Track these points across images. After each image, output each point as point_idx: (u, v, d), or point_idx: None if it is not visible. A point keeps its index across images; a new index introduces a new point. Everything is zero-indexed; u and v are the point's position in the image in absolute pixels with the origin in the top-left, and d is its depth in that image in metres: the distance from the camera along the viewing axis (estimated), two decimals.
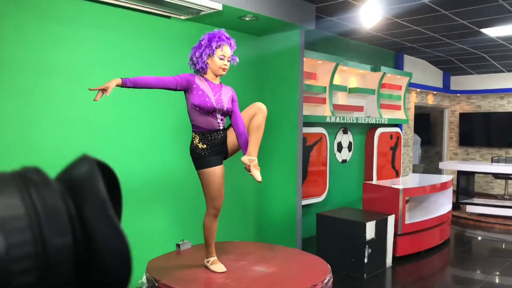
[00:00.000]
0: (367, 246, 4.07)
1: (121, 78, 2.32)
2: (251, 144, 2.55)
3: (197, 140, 2.57)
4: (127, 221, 3.49)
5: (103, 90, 2.31)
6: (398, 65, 7.09)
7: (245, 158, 2.55)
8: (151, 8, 3.48)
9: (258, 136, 2.56)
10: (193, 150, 2.60)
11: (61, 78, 3.13)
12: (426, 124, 9.70)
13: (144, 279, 2.66)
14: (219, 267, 2.68)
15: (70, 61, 3.18)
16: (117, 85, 2.32)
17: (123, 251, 0.28)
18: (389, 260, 4.43)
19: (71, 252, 0.27)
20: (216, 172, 2.58)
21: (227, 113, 2.62)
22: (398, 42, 6.30)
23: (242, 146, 2.60)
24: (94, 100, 2.33)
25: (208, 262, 2.73)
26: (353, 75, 6.07)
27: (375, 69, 6.08)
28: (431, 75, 8.29)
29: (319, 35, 5.35)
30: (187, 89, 2.51)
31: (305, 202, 5.09)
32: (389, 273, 4.34)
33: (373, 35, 5.81)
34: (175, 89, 2.48)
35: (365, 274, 4.08)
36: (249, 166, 2.54)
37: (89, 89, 2.36)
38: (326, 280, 2.60)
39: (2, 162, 2.89)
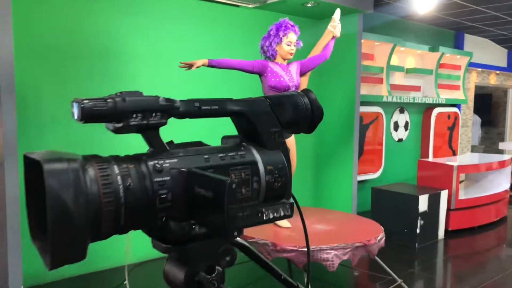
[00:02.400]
0: (419, 217, 4.34)
1: (207, 59, 2.82)
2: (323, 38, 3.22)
3: None
4: None
5: (190, 66, 2.83)
6: (458, 45, 7.06)
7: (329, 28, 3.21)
8: None
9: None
10: None
11: (145, 65, 3.69)
12: (488, 104, 9.48)
13: None
14: (285, 223, 3.14)
15: (153, 50, 3.73)
16: (203, 65, 2.82)
17: (322, 111, 0.69)
18: (441, 233, 4.66)
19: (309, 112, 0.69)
20: (289, 142, 3.04)
21: (297, 88, 3.05)
22: (458, 22, 6.30)
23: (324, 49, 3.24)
24: (179, 66, 2.86)
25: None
26: (411, 55, 6.19)
27: (433, 49, 6.16)
28: (494, 54, 8.11)
29: (377, 17, 5.54)
30: (262, 71, 2.94)
31: (360, 178, 5.39)
32: (441, 245, 4.58)
33: (431, 16, 5.88)
34: (251, 71, 2.92)
35: (417, 244, 4.37)
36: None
37: (180, 62, 2.88)
38: (379, 237, 2.96)
39: (92, 141, 3.51)
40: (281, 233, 3.03)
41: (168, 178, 0.53)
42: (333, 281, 3.49)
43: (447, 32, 6.94)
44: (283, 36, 2.94)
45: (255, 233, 2.95)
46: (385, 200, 4.61)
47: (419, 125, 6.50)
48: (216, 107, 0.61)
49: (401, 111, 6.16)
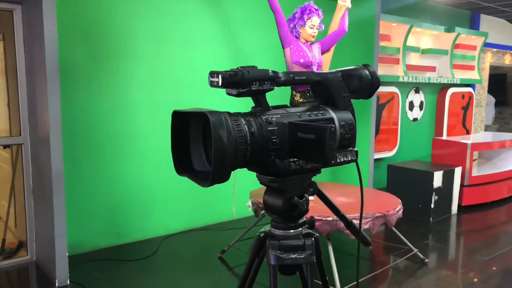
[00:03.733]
0: (434, 193, 4.53)
1: None
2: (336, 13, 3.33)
3: (298, 97, 3.20)
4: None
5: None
6: (474, 25, 7.10)
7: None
8: None
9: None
10: (295, 105, 3.24)
11: (178, 45, 3.88)
12: (502, 84, 9.51)
13: (250, 203, 3.40)
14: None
15: (185, 31, 3.90)
16: None
17: (379, 80, 0.88)
18: (454, 208, 4.85)
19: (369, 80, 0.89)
20: None
21: (320, 67, 3.22)
22: (474, 2, 6.34)
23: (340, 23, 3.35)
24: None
25: None
26: (427, 36, 6.27)
27: (449, 30, 6.23)
28: (510, 34, 8.12)
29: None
30: (289, 42, 3.10)
31: (376, 156, 5.56)
32: (454, 220, 4.76)
33: None
34: (282, 29, 3.09)
35: (431, 218, 4.56)
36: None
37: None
38: (397, 209, 3.16)
39: (134, 110, 3.72)
40: None
41: (276, 128, 0.74)
42: (351, 251, 3.71)
43: (463, 12, 6.98)
44: (307, 19, 3.10)
45: None
46: (401, 177, 4.79)
47: (434, 104, 6.61)
48: (304, 77, 0.81)
49: (416, 91, 6.28)
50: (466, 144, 4.93)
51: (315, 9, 3.14)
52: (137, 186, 3.78)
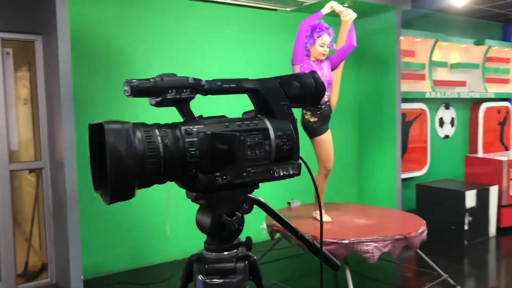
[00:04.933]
0: (467, 214, 4.24)
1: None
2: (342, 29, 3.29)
3: (308, 115, 3.13)
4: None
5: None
6: (507, 37, 6.79)
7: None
8: (260, 4, 4.10)
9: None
10: (306, 124, 3.16)
11: (179, 65, 3.90)
12: None
13: (265, 225, 3.31)
14: (325, 217, 3.21)
15: (187, 51, 3.92)
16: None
17: (324, 87, 0.81)
18: (492, 230, 4.52)
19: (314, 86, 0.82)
20: (326, 137, 3.14)
21: (330, 84, 3.14)
22: (504, 14, 6.07)
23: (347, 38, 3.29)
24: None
25: (316, 213, 3.28)
26: (455, 50, 6.04)
27: (478, 43, 5.98)
28: None
29: (417, 13, 5.48)
30: (300, 60, 3.06)
31: (405, 175, 5.32)
32: (492, 242, 4.43)
33: (474, 9, 5.72)
34: (299, 43, 3.10)
35: (465, 241, 4.26)
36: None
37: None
38: (420, 230, 2.96)
39: None
40: None
41: (196, 139, 0.69)
42: (373, 275, 3.51)
43: (494, 24, 6.70)
44: (317, 37, 3.06)
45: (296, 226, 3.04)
46: (430, 197, 4.54)
47: (467, 121, 6.31)
48: (234, 85, 0.75)
49: (446, 107, 6.02)
50: (501, 161, 4.63)
51: (326, 28, 3.10)
52: (153, 208, 3.77)
